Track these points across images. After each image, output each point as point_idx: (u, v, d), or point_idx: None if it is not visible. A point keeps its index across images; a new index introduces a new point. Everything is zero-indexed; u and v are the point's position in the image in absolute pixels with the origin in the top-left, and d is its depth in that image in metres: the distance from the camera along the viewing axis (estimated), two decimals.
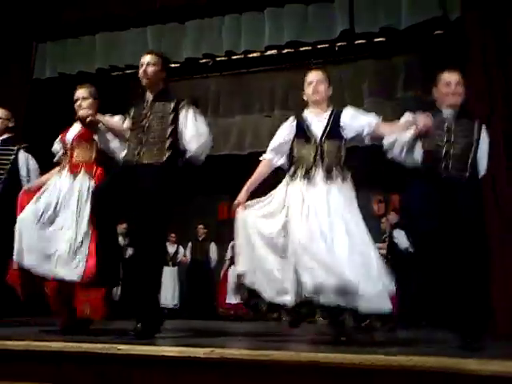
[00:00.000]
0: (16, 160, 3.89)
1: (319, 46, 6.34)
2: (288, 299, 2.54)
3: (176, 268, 8.15)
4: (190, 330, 3.86)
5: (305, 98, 2.95)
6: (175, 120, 2.89)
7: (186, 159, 2.95)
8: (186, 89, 7.87)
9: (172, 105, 2.93)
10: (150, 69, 3.02)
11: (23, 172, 3.89)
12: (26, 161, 3.93)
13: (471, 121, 2.80)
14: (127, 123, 3.11)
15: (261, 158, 2.97)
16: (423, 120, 2.59)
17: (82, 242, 2.99)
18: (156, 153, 2.84)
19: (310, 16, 5.60)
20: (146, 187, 2.75)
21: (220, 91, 7.57)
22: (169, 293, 7.66)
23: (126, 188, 2.83)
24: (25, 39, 6.76)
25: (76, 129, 3.42)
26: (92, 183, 3.18)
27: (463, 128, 2.73)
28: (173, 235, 7.91)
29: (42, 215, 3.08)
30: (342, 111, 2.84)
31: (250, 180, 2.91)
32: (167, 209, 2.83)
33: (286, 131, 2.89)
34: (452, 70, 2.81)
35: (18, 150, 3.93)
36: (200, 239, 8.34)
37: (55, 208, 3.13)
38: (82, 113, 3.16)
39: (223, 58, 6.69)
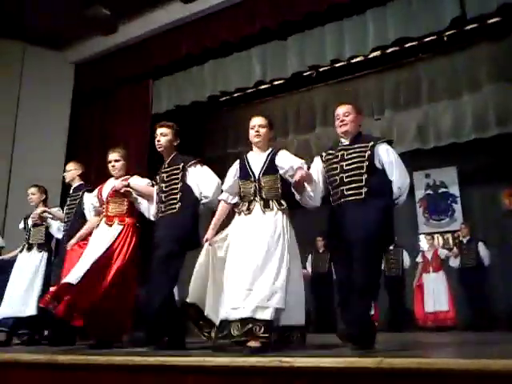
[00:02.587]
0: (81, 203, 4.27)
1: (426, 40, 6.10)
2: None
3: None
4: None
5: (250, 138, 3.28)
6: (184, 177, 3.45)
7: (204, 204, 3.46)
8: (292, 103, 8.01)
9: (180, 166, 3.48)
10: (163, 139, 3.56)
11: (88, 213, 4.23)
12: (90, 202, 4.22)
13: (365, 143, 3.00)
14: (156, 188, 3.64)
15: (219, 198, 3.40)
16: (297, 174, 2.94)
17: None
18: (170, 207, 3.42)
19: (415, 10, 5.40)
20: (162, 235, 3.35)
21: (327, 101, 7.54)
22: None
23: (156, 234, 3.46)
24: (143, 78, 7.35)
25: (110, 185, 3.93)
26: (121, 229, 3.76)
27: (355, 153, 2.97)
28: None
29: None
30: (277, 152, 3.18)
31: (213, 220, 3.35)
32: (183, 247, 3.34)
33: (231, 173, 3.32)
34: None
35: (83, 192, 4.31)
36: (320, 251, 8.31)
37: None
38: (117, 186, 3.75)
39: (327, 68, 6.71)
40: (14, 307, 4.40)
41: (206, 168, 3.52)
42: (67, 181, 4.50)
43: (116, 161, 3.92)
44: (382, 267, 7.66)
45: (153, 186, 3.73)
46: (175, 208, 3.40)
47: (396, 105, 7.19)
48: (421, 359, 1.85)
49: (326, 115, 7.43)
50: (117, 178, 3.92)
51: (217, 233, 3.29)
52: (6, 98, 7.31)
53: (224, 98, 7.59)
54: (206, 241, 3.22)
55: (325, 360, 1.95)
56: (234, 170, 3.30)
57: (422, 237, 8.19)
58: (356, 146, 2.99)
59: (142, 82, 7.41)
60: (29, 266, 4.55)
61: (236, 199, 3.29)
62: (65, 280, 3.47)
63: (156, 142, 3.60)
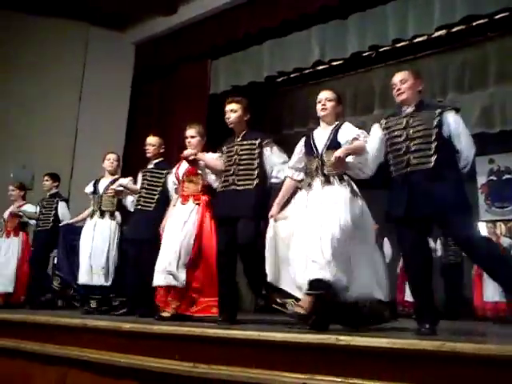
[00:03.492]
0: (165, 183, 4.26)
1: (497, 17, 5.79)
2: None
3: None
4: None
5: (317, 113, 3.24)
6: (261, 155, 3.46)
7: (273, 184, 3.50)
8: (350, 85, 7.85)
9: (257, 142, 3.48)
10: (233, 115, 3.55)
11: (172, 194, 4.21)
12: (173, 184, 4.25)
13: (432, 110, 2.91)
14: (221, 159, 3.64)
15: (285, 175, 3.41)
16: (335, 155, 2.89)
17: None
18: (250, 182, 3.42)
19: None
20: (241, 208, 3.35)
21: (386, 82, 7.33)
22: None
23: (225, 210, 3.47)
24: (201, 58, 7.43)
25: (186, 165, 3.89)
26: (197, 209, 3.79)
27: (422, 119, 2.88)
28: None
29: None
30: (341, 126, 3.12)
31: (279, 196, 3.35)
32: (259, 220, 3.39)
33: (297, 150, 3.30)
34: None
35: (167, 173, 4.27)
36: None
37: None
38: (185, 153, 3.70)
39: (387, 48, 6.52)
40: (87, 275, 4.49)
41: (279, 149, 3.53)
42: (149, 155, 4.47)
43: (192, 137, 3.90)
44: (439, 253, 7.45)
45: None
46: (252, 184, 3.41)
47: (460, 87, 6.89)
48: (481, 345, 1.81)
49: (384, 97, 7.23)
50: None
51: (281, 209, 3.28)
52: (71, 77, 7.63)
53: (281, 79, 7.55)
54: (271, 217, 3.21)
55: (382, 340, 1.95)
56: (299, 147, 3.28)
57: (483, 224, 7.90)
58: (422, 112, 2.89)
59: (200, 62, 7.49)
60: (102, 234, 4.59)
61: (301, 176, 3.27)
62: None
63: (226, 118, 3.59)
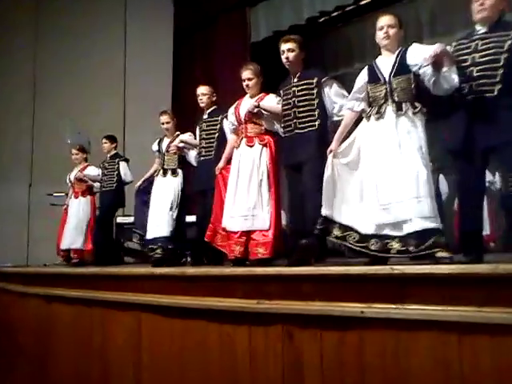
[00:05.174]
0: (221, 129, 4.25)
1: None
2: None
3: None
4: None
5: (377, 41, 3.02)
6: (320, 93, 3.37)
7: (335, 122, 3.37)
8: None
9: (315, 81, 3.38)
10: (291, 54, 3.43)
11: (229, 136, 4.18)
12: (231, 125, 4.17)
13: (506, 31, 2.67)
14: (279, 103, 3.56)
15: (346, 107, 3.22)
16: (434, 49, 2.63)
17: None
18: (309, 124, 3.34)
19: None
20: (306, 151, 3.30)
21: (434, 10, 6.96)
22: None
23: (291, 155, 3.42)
24: (239, 7, 7.32)
25: (246, 103, 3.78)
26: (266, 151, 3.66)
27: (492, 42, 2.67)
28: None
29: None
30: (408, 48, 2.90)
31: (338, 130, 3.17)
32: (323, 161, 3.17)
33: (360, 79, 3.10)
34: None
35: (222, 119, 4.24)
36: None
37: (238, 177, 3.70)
38: (249, 107, 3.66)
39: None
40: (153, 230, 4.53)
41: (339, 86, 3.40)
42: (203, 105, 4.46)
43: (249, 79, 3.78)
44: (499, 185, 7.19)
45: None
46: (315, 125, 3.33)
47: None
48: None
49: (433, 26, 6.89)
50: (252, 97, 3.81)
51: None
52: (113, 38, 7.78)
53: (323, 19, 7.32)
54: (330, 152, 3.03)
55: (437, 267, 2.00)
56: (362, 75, 3.08)
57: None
58: (494, 34, 2.67)
59: (239, 11, 7.38)
60: (165, 192, 4.59)
61: (362, 105, 3.08)
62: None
63: (283, 59, 3.47)
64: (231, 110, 3.96)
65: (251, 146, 3.69)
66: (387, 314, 2.03)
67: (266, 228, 3.49)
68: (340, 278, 2.23)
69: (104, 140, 5.67)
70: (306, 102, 3.37)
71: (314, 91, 3.37)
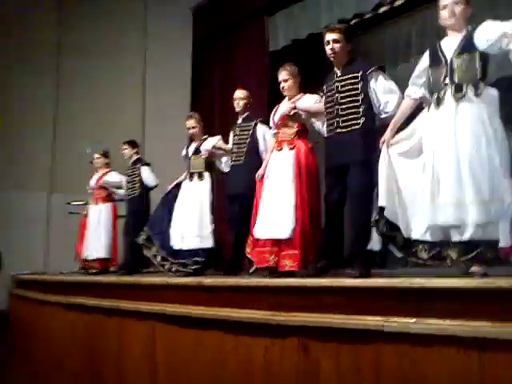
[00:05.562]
0: (254, 133, 4.16)
1: None
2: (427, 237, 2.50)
3: None
4: None
5: (441, 23, 2.72)
6: (365, 88, 3.07)
7: (382, 120, 3.10)
8: (416, 23, 7.41)
9: (360, 74, 3.09)
10: (336, 45, 3.15)
11: (261, 143, 4.15)
12: (263, 133, 4.12)
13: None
14: (322, 101, 3.32)
15: (406, 93, 2.94)
16: None
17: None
18: (352, 122, 3.06)
19: None
20: (349, 152, 3.03)
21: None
22: None
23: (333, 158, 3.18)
24: (258, 15, 7.33)
25: (282, 107, 3.67)
26: (292, 154, 3.46)
27: None
28: None
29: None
30: (478, 26, 2.58)
31: (394, 119, 2.92)
32: (371, 164, 2.99)
33: (421, 63, 2.83)
34: None
35: (256, 124, 4.18)
36: None
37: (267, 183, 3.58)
38: (284, 110, 3.52)
39: None
40: (179, 240, 4.34)
41: (386, 78, 3.13)
42: (239, 109, 4.33)
43: (285, 80, 3.61)
44: None
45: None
46: (359, 123, 3.04)
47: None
48: None
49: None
50: (290, 99, 3.64)
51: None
52: (133, 47, 7.91)
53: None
54: (383, 143, 2.82)
55: (454, 281, 1.95)
56: (424, 59, 2.80)
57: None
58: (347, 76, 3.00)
59: (258, 20, 7.39)
60: (192, 198, 4.43)
61: (422, 92, 2.84)
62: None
63: (328, 50, 3.18)
64: (271, 115, 3.84)
65: (280, 150, 3.57)
66: (406, 327, 1.99)
67: (286, 237, 3.26)
68: (357, 290, 2.19)
69: (124, 146, 5.52)
70: (350, 98, 3.08)
71: (359, 85, 3.07)
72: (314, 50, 7.72)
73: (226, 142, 4.52)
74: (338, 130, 3.10)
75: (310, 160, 3.47)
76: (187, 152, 4.73)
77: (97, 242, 5.53)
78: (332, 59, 3.21)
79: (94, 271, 5.44)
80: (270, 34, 7.32)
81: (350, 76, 3.12)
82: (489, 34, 2.53)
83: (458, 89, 2.52)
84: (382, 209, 2.64)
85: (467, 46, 2.57)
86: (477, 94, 2.49)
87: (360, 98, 3.06)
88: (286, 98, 3.69)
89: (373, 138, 3.03)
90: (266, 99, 6.73)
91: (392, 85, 3.10)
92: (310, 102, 3.51)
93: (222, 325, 2.84)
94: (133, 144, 5.56)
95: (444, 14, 2.66)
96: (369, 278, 2.40)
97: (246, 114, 4.36)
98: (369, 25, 7.25)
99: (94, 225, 5.64)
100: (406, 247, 2.58)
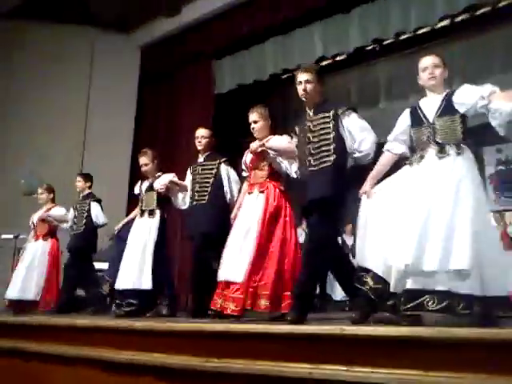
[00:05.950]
0: (218, 173, 4.16)
1: (500, 5, 5.76)
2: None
3: None
4: None
5: (420, 83, 2.91)
6: (336, 126, 3.06)
7: (356, 159, 3.09)
8: (355, 78, 7.83)
9: (331, 113, 3.09)
10: (308, 86, 3.16)
11: (225, 184, 4.16)
12: (227, 173, 4.16)
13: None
14: (294, 141, 3.31)
15: (383, 150, 3.03)
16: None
17: None
18: (323, 159, 3.04)
19: None
20: (318, 190, 2.98)
21: (390, 75, 7.33)
22: None
23: (305, 195, 3.10)
24: (205, 58, 7.48)
25: (252, 146, 3.63)
26: (262, 197, 3.47)
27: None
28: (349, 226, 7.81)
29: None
30: (456, 90, 2.78)
31: (373, 170, 2.99)
32: (340, 205, 3.04)
33: (402, 121, 2.95)
34: None
35: (219, 164, 4.19)
36: None
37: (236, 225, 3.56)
38: (252, 147, 3.49)
39: (391, 41, 6.51)
40: (129, 279, 4.23)
41: (359, 117, 3.13)
42: (201, 148, 4.29)
43: (255, 122, 3.59)
44: None
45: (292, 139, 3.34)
46: (329, 161, 3.01)
47: (465, 76, 6.86)
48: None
49: (390, 90, 7.23)
50: (260, 140, 3.58)
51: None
52: (78, 83, 7.74)
53: (286, 76, 7.57)
54: (364, 193, 2.88)
55: (389, 329, 1.98)
56: (405, 117, 2.93)
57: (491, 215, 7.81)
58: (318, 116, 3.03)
59: (205, 63, 7.55)
60: (138, 235, 4.38)
61: (403, 149, 2.93)
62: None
63: (300, 91, 3.17)
64: (244, 157, 3.82)
65: (251, 194, 3.56)
66: (336, 375, 1.98)
67: (237, 281, 3.22)
68: (288, 336, 2.18)
69: (78, 178, 5.35)
70: (322, 137, 3.08)
71: (331, 124, 3.07)
72: (258, 96, 8.02)
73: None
74: (310, 169, 3.07)
75: (281, 203, 3.45)
76: (140, 189, 4.68)
77: (27, 281, 5.21)
78: (304, 99, 3.21)
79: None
80: (216, 77, 7.49)
81: (321, 116, 3.13)
82: (467, 97, 2.70)
83: (441, 149, 2.67)
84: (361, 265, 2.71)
85: (448, 109, 2.72)
86: (458, 153, 2.64)
87: (331, 136, 3.05)
88: (257, 140, 3.63)
89: (343, 175, 3.05)
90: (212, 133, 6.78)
91: (366, 124, 3.12)
92: (281, 140, 3.47)
93: (154, 370, 2.72)
94: (87, 177, 5.38)
95: (424, 76, 2.83)
96: (302, 325, 2.39)
97: (208, 153, 4.32)
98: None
99: (27, 262, 5.32)
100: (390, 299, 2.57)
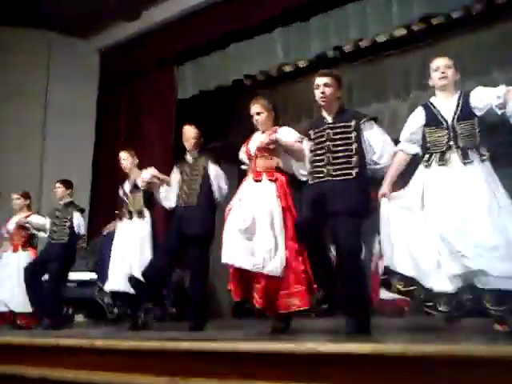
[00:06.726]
0: (206, 173, 4.07)
1: (455, 16, 5.93)
2: (447, 287, 2.61)
3: None
4: None
5: (430, 83, 2.99)
6: (358, 137, 3.01)
7: (372, 170, 3.06)
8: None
9: (353, 123, 3.03)
10: (327, 89, 3.06)
11: (214, 183, 4.05)
12: (215, 173, 4.08)
13: None
14: (308, 144, 3.20)
15: (396, 149, 3.05)
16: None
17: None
18: (345, 171, 2.98)
19: None
20: (341, 202, 2.91)
21: (351, 82, 7.42)
22: None
23: (321, 202, 3.00)
24: (167, 64, 7.40)
25: (258, 139, 3.52)
26: (274, 187, 3.36)
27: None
28: None
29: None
30: (470, 92, 2.87)
31: (388, 172, 3.00)
32: (366, 217, 3.01)
33: (415, 120, 2.98)
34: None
35: (207, 163, 4.10)
36: None
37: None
38: (263, 141, 3.32)
39: (351, 49, 6.61)
40: (116, 281, 4.21)
41: (380, 129, 3.09)
42: (190, 148, 4.21)
43: (257, 113, 3.47)
44: None
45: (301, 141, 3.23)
46: (351, 174, 2.94)
47: (423, 85, 7.02)
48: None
49: (351, 97, 7.33)
50: (263, 132, 3.49)
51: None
52: (34, 88, 7.52)
53: (248, 82, 7.57)
54: (383, 196, 2.87)
55: (348, 346, 2.00)
56: (418, 116, 2.95)
57: None
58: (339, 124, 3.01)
59: (167, 68, 7.48)
60: (132, 236, 4.29)
61: (417, 149, 2.95)
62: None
63: (318, 94, 3.07)
64: (242, 149, 3.69)
65: (258, 181, 3.41)
66: None
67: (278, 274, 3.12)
68: (260, 355, 2.17)
69: (57, 184, 5.04)
70: (343, 147, 2.98)
71: (352, 135, 3.00)
72: (221, 101, 7.99)
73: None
74: (329, 178, 2.98)
75: (289, 194, 3.39)
76: (123, 191, 4.54)
77: (23, 294, 4.92)
78: (322, 103, 3.10)
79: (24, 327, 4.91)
80: (178, 82, 7.42)
81: (342, 124, 3.04)
82: (483, 100, 2.78)
83: (465, 154, 2.73)
84: (388, 268, 2.71)
85: (467, 113, 2.79)
86: (482, 160, 2.73)
87: (353, 147, 2.98)
88: (259, 132, 3.55)
89: (367, 189, 3.02)
90: (171, 145, 6.74)
91: (387, 137, 3.08)
92: (290, 135, 3.33)
93: None
94: (67, 184, 5.09)
95: (435, 76, 2.90)
96: (259, 341, 2.39)
97: (196, 152, 4.23)
98: (275, 82, 7.62)
99: (16, 275, 5.01)
100: (427, 300, 2.63)
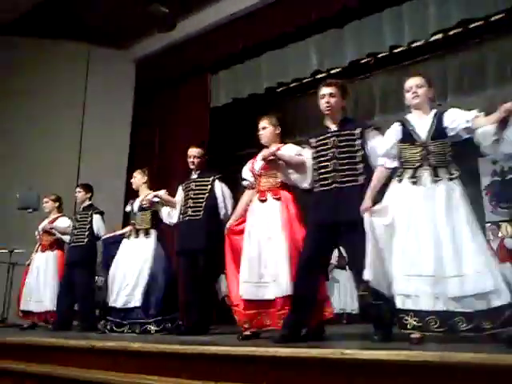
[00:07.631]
0: (212, 189, 4.21)
1: (493, 19, 5.81)
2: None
3: None
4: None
5: (406, 102, 3.04)
6: (363, 145, 3.08)
7: None
8: (351, 91, 7.86)
9: (358, 131, 3.11)
10: (332, 99, 3.14)
11: (220, 199, 4.17)
12: (221, 189, 4.21)
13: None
14: (307, 154, 3.26)
15: (377, 164, 3.09)
16: (507, 106, 2.61)
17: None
18: (351, 178, 3.05)
19: None
20: (349, 210, 2.95)
21: (386, 88, 7.36)
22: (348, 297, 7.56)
23: (328, 211, 3.05)
24: (201, 72, 7.51)
25: (262, 154, 3.52)
26: (278, 204, 3.39)
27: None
28: None
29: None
30: (444, 112, 2.91)
31: (369, 187, 3.01)
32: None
33: (391, 135, 3.01)
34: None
35: (214, 180, 4.24)
36: None
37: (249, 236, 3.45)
38: (263, 154, 3.38)
39: (385, 54, 6.55)
40: (118, 297, 4.34)
41: (382, 135, 3.10)
42: (193, 167, 4.33)
43: (263, 128, 3.56)
44: None
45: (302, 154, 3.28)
46: (358, 180, 3.02)
47: (459, 89, 6.90)
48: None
49: (385, 103, 7.26)
50: (268, 147, 3.53)
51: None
52: (73, 98, 7.74)
53: (281, 89, 7.60)
54: (365, 211, 2.87)
55: (382, 353, 1.96)
56: (394, 132, 2.99)
57: (488, 226, 7.83)
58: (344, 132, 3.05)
59: (201, 77, 7.58)
60: (137, 254, 4.41)
61: (395, 163, 2.97)
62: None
63: (324, 104, 3.15)
64: (247, 166, 3.75)
65: (263, 201, 3.47)
66: None
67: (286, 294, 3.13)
68: (286, 361, 2.15)
69: (78, 189, 5.22)
70: (349, 154, 3.06)
71: (357, 142, 3.08)
72: (254, 109, 8.02)
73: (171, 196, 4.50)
74: (335, 185, 3.05)
75: (296, 210, 3.39)
76: (132, 207, 4.67)
77: (50, 292, 5.16)
78: (327, 113, 3.18)
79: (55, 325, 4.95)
80: (212, 90, 7.52)
81: (347, 132, 3.11)
82: (454, 121, 2.83)
83: (435, 172, 2.79)
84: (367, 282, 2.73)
85: (439, 132, 2.85)
86: (450, 179, 2.79)
87: (359, 154, 3.06)
88: (264, 148, 3.57)
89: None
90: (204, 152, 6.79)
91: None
92: (292, 151, 3.40)
93: None
94: (87, 188, 5.23)
95: (408, 96, 2.97)
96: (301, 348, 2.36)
97: (201, 170, 4.36)
98: (307, 89, 7.61)
99: (42, 274, 5.26)
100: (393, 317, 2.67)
